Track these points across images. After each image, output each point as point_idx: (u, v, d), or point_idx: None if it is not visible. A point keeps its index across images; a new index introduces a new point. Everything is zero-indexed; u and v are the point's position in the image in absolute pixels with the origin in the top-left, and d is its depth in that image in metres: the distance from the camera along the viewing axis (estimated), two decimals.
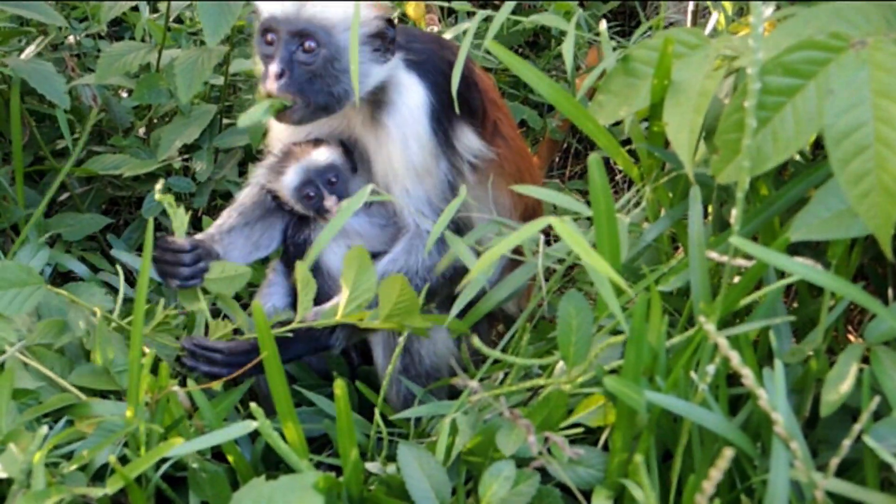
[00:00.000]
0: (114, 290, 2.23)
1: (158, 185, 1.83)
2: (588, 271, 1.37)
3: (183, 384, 1.61)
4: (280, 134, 2.04)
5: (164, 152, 2.46)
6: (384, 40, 1.80)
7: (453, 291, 1.70)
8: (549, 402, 1.46)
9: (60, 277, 2.31)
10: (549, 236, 2.36)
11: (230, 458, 1.52)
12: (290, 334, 1.72)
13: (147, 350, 1.53)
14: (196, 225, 2.51)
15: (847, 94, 1.21)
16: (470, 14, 3.12)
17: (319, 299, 2.01)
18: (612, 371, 1.41)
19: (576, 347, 1.44)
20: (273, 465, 1.75)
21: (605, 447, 1.47)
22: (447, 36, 2.19)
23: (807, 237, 1.31)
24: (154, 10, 2.95)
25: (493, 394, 1.50)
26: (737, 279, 1.40)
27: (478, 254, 1.69)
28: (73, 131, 2.65)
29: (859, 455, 1.28)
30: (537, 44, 3.74)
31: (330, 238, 1.60)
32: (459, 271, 1.78)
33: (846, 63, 1.25)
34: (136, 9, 3.01)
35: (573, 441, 1.47)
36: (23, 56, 2.47)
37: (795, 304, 1.69)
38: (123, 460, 1.43)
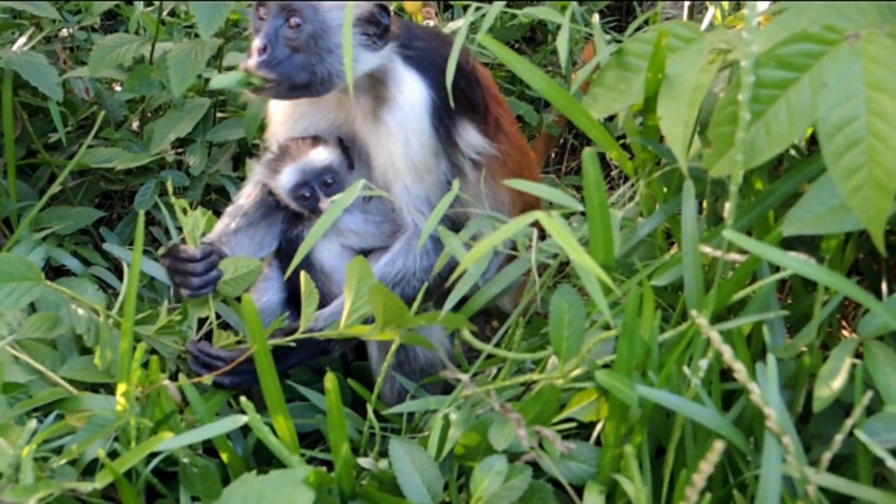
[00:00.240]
0: (106, 285, 2.23)
1: (178, 200, 1.81)
2: (576, 267, 1.36)
3: (174, 378, 1.60)
4: (278, 129, 2.03)
5: (157, 146, 2.44)
6: (377, 26, 1.78)
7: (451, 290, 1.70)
8: (541, 396, 1.45)
9: (53, 271, 2.30)
10: (544, 231, 2.34)
11: (221, 453, 1.51)
12: (293, 343, 1.72)
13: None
14: None
15: (840, 87, 1.21)
16: (466, 8, 3.11)
17: None
18: (605, 366, 1.40)
19: (568, 342, 1.44)
20: (265, 460, 1.74)
21: (598, 442, 1.46)
22: (446, 31, 2.18)
23: (800, 232, 1.31)
24: (149, 3, 2.94)
25: (484, 389, 1.50)
26: (731, 274, 1.40)
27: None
28: (66, 124, 2.63)
29: (852, 450, 1.28)
30: (534, 39, 3.73)
31: (319, 235, 1.59)
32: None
33: (840, 56, 1.24)
34: (129, 2, 3.00)
35: (566, 436, 1.46)
36: (15, 48, 2.45)
37: (789, 300, 1.69)
38: (114, 455, 1.43)
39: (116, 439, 1.48)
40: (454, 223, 1.86)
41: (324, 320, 1.79)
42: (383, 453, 1.57)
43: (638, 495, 1.25)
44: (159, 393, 1.50)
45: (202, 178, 2.57)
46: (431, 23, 3.20)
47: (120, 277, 2.23)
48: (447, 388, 1.87)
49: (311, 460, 1.72)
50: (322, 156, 1.93)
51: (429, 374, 1.95)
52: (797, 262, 1.21)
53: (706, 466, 1.05)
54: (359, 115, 1.92)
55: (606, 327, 1.48)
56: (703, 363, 1.32)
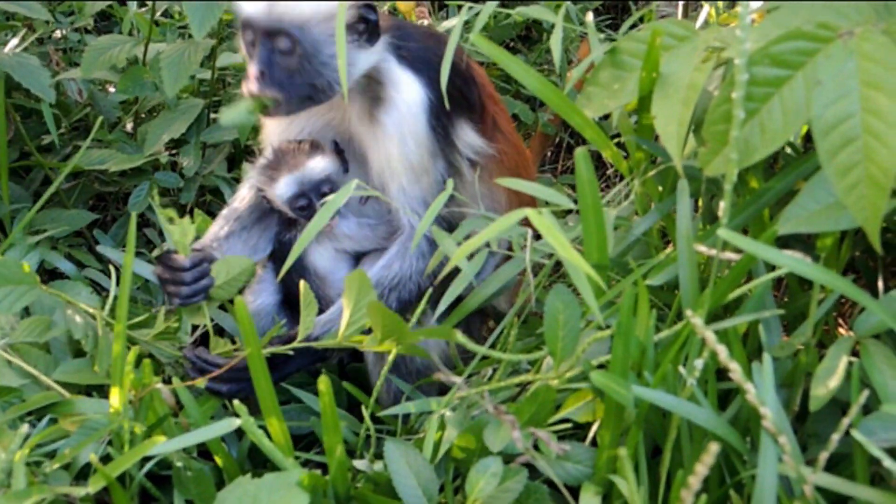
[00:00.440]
0: (100, 287, 2.22)
1: (163, 210, 1.79)
2: (566, 266, 1.35)
3: (168, 382, 1.59)
4: (273, 130, 2.02)
5: (150, 147, 2.44)
6: (366, 24, 1.77)
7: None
8: (536, 397, 1.45)
9: (47, 274, 2.29)
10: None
11: (215, 457, 1.51)
12: (291, 352, 1.71)
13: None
14: None
15: (835, 84, 1.20)
16: (461, 7, 3.10)
17: None
18: (601, 366, 1.40)
19: (563, 343, 1.43)
20: (260, 463, 1.73)
21: (594, 443, 1.46)
22: (440, 30, 2.17)
23: (795, 230, 1.30)
24: (142, 4, 2.93)
25: (479, 391, 1.49)
26: (726, 273, 1.39)
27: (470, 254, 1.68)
28: (59, 126, 2.63)
29: (849, 450, 1.27)
30: (529, 38, 3.72)
31: (311, 238, 1.58)
32: (453, 273, 1.77)
33: (834, 53, 1.23)
34: (123, 3, 2.99)
35: (562, 437, 1.46)
36: (7, 50, 2.44)
37: (786, 299, 1.68)
38: (108, 459, 1.42)
39: (110, 443, 1.48)
40: (451, 224, 1.85)
41: (321, 327, 1.79)
42: (379, 455, 1.56)
43: (631, 495, 1.24)
44: (153, 396, 1.49)
45: (196, 179, 2.56)
46: (425, 22, 3.20)
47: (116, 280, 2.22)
48: (443, 389, 1.86)
49: (305, 463, 1.72)
50: (320, 166, 1.91)
51: (425, 375, 1.94)
52: (792, 261, 1.20)
53: (701, 469, 1.04)
54: (354, 115, 1.91)
55: (601, 328, 1.48)
56: (699, 363, 1.31)
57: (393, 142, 1.83)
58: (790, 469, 1.22)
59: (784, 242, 1.36)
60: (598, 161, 3.18)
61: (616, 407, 1.36)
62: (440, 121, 1.85)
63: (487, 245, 1.70)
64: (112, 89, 2.81)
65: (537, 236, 1.65)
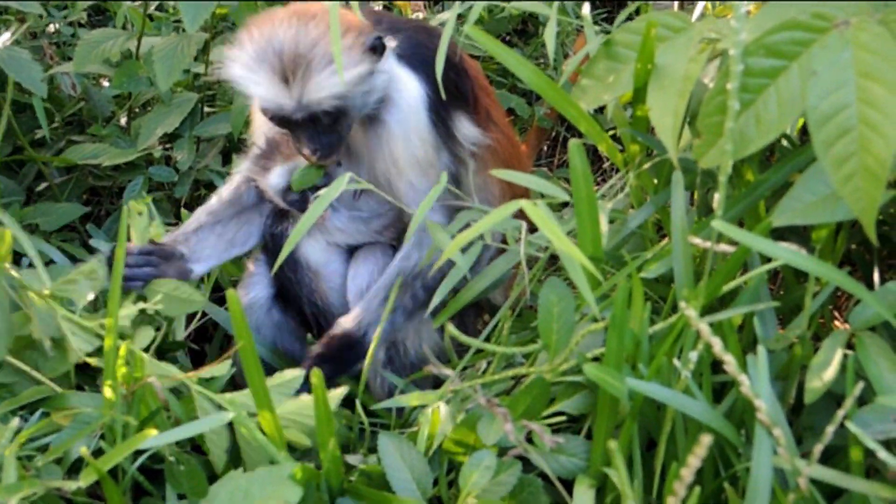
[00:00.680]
0: None
1: (136, 203, 1.81)
2: (561, 257, 1.35)
3: None
4: (264, 125, 2.01)
5: (144, 141, 2.42)
6: (374, 51, 1.77)
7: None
8: (531, 390, 1.44)
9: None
10: (535, 225, 2.32)
11: (206, 451, 1.50)
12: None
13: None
14: (178, 215, 2.49)
15: (830, 75, 1.19)
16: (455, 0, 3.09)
17: (300, 292, 2.01)
18: (595, 359, 1.39)
19: (557, 335, 1.43)
20: None
21: (589, 436, 1.45)
22: (433, 23, 2.16)
23: (790, 222, 1.30)
24: None
25: (472, 384, 1.48)
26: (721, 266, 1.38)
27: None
28: (53, 121, 2.61)
29: (845, 442, 1.27)
30: (525, 32, 3.71)
31: (304, 232, 1.59)
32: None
33: (830, 44, 1.23)
34: None
35: (556, 430, 1.45)
36: None
37: (781, 292, 1.68)
38: (101, 453, 1.41)
39: (103, 438, 1.47)
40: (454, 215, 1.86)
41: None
42: (373, 450, 1.56)
43: (622, 487, 1.23)
44: (145, 390, 1.48)
45: (190, 173, 2.54)
46: (420, 15, 3.19)
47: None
48: (438, 383, 1.86)
49: (299, 457, 1.70)
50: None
51: (419, 369, 1.93)
52: (787, 253, 1.19)
53: (693, 460, 1.03)
54: None
55: (596, 320, 1.47)
56: (693, 355, 1.30)
57: (397, 140, 1.84)
58: (785, 461, 1.22)
59: (779, 235, 1.35)
60: (594, 155, 3.17)
61: (610, 400, 1.35)
62: (440, 115, 1.86)
63: (482, 238, 1.70)
64: (106, 84, 2.80)
65: (532, 230, 1.64)
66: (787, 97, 1.25)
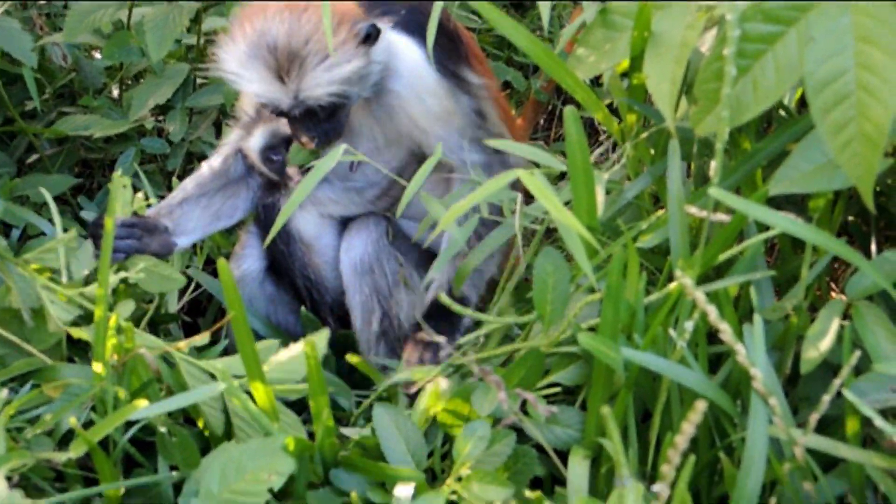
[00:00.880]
0: None
1: (119, 177, 1.80)
2: (558, 227, 1.33)
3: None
4: (252, 96, 2.00)
5: (136, 113, 2.40)
6: (369, 39, 1.75)
7: None
8: (525, 361, 1.43)
9: (31, 239, 2.26)
10: (530, 197, 2.30)
11: (198, 422, 1.49)
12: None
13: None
14: (170, 187, 2.47)
15: (828, 40, 1.18)
16: None
17: (293, 265, 2.00)
18: (591, 329, 1.38)
19: (552, 306, 1.42)
20: None
21: (584, 407, 1.44)
22: None
23: (787, 190, 1.29)
24: None
25: (467, 360, 1.47)
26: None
27: None
28: (44, 92, 2.59)
29: (841, 412, 1.26)
30: (521, 6, 3.67)
31: (296, 206, 1.58)
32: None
33: (828, 9, 1.21)
34: None
35: (551, 402, 1.44)
36: None
37: (777, 263, 1.67)
38: (92, 425, 1.40)
39: (94, 410, 1.46)
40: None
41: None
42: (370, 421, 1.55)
43: (619, 458, 1.22)
44: (136, 362, 1.46)
45: (183, 145, 2.52)
46: None
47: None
48: None
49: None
50: None
51: None
52: (785, 221, 1.18)
53: (688, 427, 1.02)
54: None
55: (592, 290, 1.46)
56: (689, 325, 1.29)
57: (411, 104, 1.85)
58: (780, 431, 1.21)
59: (777, 206, 1.34)
60: (590, 128, 3.15)
61: (605, 370, 1.34)
62: (444, 65, 1.86)
63: (477, 210, 1.68)
64: (97, 55, 2.77)
65: (528, 201, 1.63)
66: (784, 63, 1.23)
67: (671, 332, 1.33)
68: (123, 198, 1.81)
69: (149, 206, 1.90)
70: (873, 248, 1.60)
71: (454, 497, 1.33)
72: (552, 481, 1.46)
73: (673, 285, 1.33)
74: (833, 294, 1.70)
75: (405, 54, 1.83)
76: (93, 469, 1.39)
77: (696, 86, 1.33)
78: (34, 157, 2.55)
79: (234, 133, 2.00)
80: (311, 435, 1.41)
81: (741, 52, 1.25)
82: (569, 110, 1.39)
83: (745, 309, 1.45)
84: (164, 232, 1.89)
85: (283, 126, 1.91)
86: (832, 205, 1.47)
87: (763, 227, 1.37)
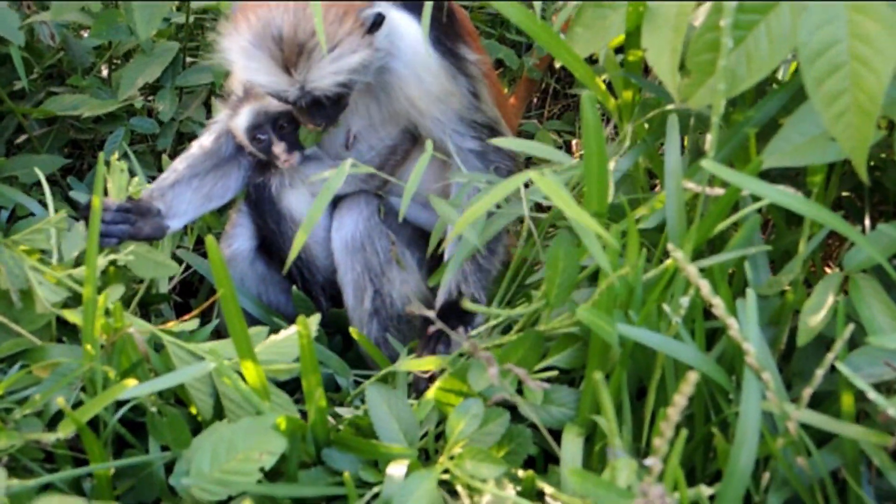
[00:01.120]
0: None
1: (116, 162, 1.77)
2: (572, 224, 1.32)
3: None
4: (233, 67, 1.98)
5: (125, 92, 2.38)
6: (375, 21, 1.73)
7: None
8: (523, 342, 1.43)
9: (20, 220, 2.24)
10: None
11: (187, 402, 1.48)
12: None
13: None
14: (160, 167, 2.45)
15: (821, 9, 1.16)
16: None
17: (284, 245, 1.98)
18: None
19: (559, 290, 1.41)
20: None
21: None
22: None
23: (780, 163, 1.28)
24: None
25: (467, 350, 1.45)
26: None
27: None
28: (32, 72, 2.56)
29: (836, 388, 1.25)
30: None
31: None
32: None
33: None
34: None
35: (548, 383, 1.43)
36: None
37: (772, 237, 1.66)
38: (81, 406, 1.39)
39: (83, 390, 1.45)
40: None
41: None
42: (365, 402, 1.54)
43: (611, 426, 1.21)
44: (126, 341, 1.45)
45: (173, 124, 2.50)
46: None
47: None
48: (422, 332, 1.84)
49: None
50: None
51: (406, 320, 1.93)
52: (782, 195, 1.17)
53: (680, 399, 1.01)
54: None
55: (594, 276, 1.45)
56: (684, 300, 1.29)
57: (410, 84, 1.83)
58: (774, 406, 1.20)
59: (771, 180, 1.32)
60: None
61: (601, 346, 1.33)
62: (442, 43, 1.84)
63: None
64: (85, 34, 2.74)
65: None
66: (777, 33, 1.21)
67: (665, 307, 1.32)
68: (119, 182, 1.80)
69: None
70: (867, 223, 1.60)
71: (447, 476, 1.33)
72: (545, 460, 1.46)
73: (669, 262, 1.32)
74: (828, 270, 1.70)
75: (406, 32, 1.81)
76: (83, 450, 1.38)
77: (688, 57, 1.31)
78: (23, 137, 2.53)
79: (223, 112, 1.98)
80: (304, 414, 1.41)
81: (734, 23, 1.23)
82: (586, 95, 1.36)
83: (741, 286, 1.44)
84: (156, 215, 1.88)
85: (269, 105, 1.89)
86: (826, 179, 1.46)
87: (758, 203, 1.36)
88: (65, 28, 2.64)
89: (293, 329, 1.46)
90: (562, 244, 1.39)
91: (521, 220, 1.71)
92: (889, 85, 1.12)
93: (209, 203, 2.01)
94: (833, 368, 1.20)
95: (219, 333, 1.90)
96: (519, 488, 1.31)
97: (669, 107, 1.43)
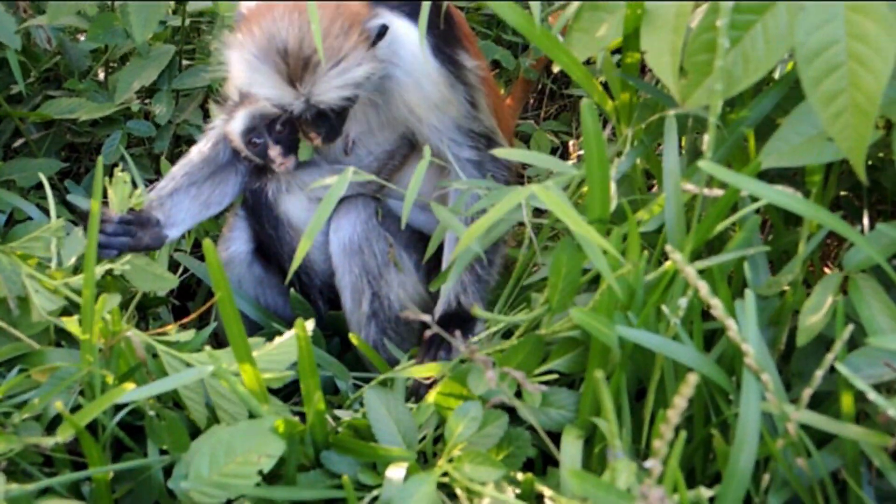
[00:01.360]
0: None
1: (119, 173, 1.78)
2: (576, 237, 1.31)
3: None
4: (237, 80, 1.98)
5: (121, 95, 2.38)
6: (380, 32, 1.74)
7: None
8: (524, 346, 1.43)
9: (17, 224, 2.24)
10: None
11: (184, 405, 1.47)
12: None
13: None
14: (158, 171, 2.45)
15: (819, 9, 1.16)
16: None
17: (281, 250, 1.98)
18: None
19: (561, 294, 1.41)
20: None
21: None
22: None
23: (778, 164, 1.28)
24: None
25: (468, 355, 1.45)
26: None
27: None
28: (29, 76, 2.56)
29: (835, 388, 1.25)
30: None
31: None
32: None
33: None
34: None
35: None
36: None
37: (770, 238, 1.66)
38: (80, 410, 1.39)
39: (82, 394, 1.44)
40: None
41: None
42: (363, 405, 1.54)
43: (611, 427, 1.21)
44: (124, 345, 1.45)
45: (169, 127, 2.50)
46: None
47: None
48: (421, 335, 1.84)
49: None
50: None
51: (404, 322, 1.93)
52: (780, 195, 1.17)
53: (679, 401, 1.01)
54: None
55: (596, 279, 1.45)
56: (683, 301, 1.28)
57: (409, 90, 1.83)
58: (773, 407, 1.20)
59: (770, 181, 1.32)
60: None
61: (601, 348, 1.33)
62: (442, 51, 1.84)
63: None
64: (82, 38, 2.74)
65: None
66: (774, 33, 1.21)
67: (664, 308, 1.32)
68: (121, 193, 1.79)
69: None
70: (865, 222, 1.60)
71: (446, 479, 1.32)
72: (544, 462, 1.45)
73: (669, 263, 1.32)
74: (826, 270, 1.69)
75: (406, 40, 1.80)
76: (82, 453, 1.37)
77: (685, 58, 1.31)
78: (20, 141, 2.53)
79: (220, 118, 1.98)
80: (303, 417, 1.40)
81: (731, 23, 1.23)
82: (585, 102, 1.36)
83: (740, 287, 1.44)
84: (155, 225, 1.87)
85: (264, 109, 1.88)
86: (824, 180, 1.46)
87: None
88: (61, 32, 2.64)
89: (289, 334, 1.46)
90: (565, 250, 1.39)
91: (520, 224, 1.71)
92: (887, 85, 1.12)
93: (207, 210, 2.01)
94: (833, 369, 1.20)
95: (217, 336, 1.90)
96: (518, 491, 1.31)
97: (670, 112, 1.43)
